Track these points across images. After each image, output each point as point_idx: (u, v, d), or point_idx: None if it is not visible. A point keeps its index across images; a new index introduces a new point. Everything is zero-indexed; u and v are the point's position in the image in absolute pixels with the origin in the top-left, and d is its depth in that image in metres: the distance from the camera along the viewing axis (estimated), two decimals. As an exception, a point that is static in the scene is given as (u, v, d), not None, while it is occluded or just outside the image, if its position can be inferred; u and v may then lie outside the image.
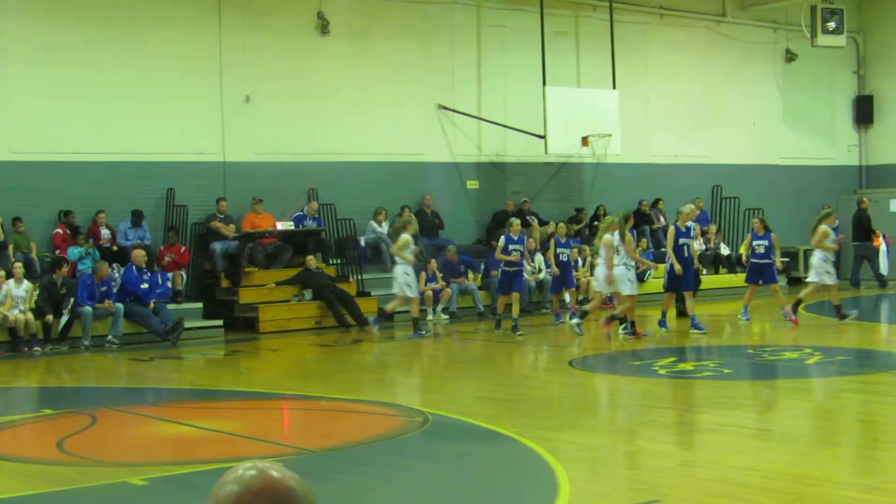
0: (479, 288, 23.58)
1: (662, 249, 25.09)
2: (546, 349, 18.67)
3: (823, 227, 19.64)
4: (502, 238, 19.64)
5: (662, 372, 15.15)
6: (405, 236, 19.96)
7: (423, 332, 20.03)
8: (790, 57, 31.36)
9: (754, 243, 20.64)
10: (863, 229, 28.11)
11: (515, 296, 19.67)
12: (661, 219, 27.65)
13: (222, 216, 22.13)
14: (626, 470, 9.63)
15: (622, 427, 11.64)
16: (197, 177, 22.24)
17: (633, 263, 18.76)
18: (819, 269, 19.54)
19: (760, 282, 20.72)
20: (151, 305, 19.89)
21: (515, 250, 19.42)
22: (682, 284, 19.10)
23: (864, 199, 28.85)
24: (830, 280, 19.55)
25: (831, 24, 29.00)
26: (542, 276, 24.10)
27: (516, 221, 20.20)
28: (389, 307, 20.52)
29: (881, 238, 27.28)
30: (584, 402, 13.69)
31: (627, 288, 18.45)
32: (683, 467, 9.47)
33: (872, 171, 32.93)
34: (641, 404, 13.12)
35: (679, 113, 29.15)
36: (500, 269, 19.77)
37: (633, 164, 27.69)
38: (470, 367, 17.27)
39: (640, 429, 11.47)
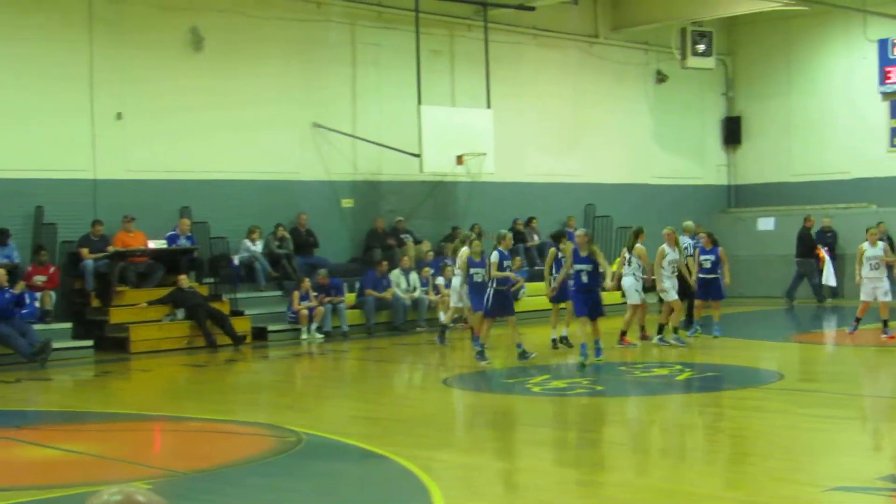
0: (354, 307, 23.48)
1: (538, 268, 25.38)
2: (421, 367, 18.65)
3: None
4: (495, 254, 17.74)
5: (536, 389, 15.25)
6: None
7: (445, 342, 20.10)
8: (661, 78, 31.95)
9: (701, 258, 20.75)
10: (806, 246, 28.50)
11: (512, 319, 17.98)
12: (535, 237, 27.90)
13: (97, 239, 21.62)
14: (501, 488, 9.65)
15: (497, 445, 11.67)
16: (66, 194, 21.72)
17: (641, 274, 19.36)
18: None
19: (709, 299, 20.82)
20: (11, 320, 19.29)
21: (507, 267, 17.88)
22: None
23: (811, 216, 29.07)
24: None
25: (700, 47, 29.62)
26: (416, 294, 24.14)
27: (509, 235, 18.63)
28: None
29: (823, 251, 27.42)
30: (458, 420, 13.71)
31: (636, 297, 19.35)
32: (558, 484, 9.52)
33: (740, 191, 33.69)
34: (516, 422, 13.18)
35: (552, 132, 29.46)
36: (489, 289, 17.70)
37: (506, 183, 27.89)
38: (344, 386, 17.20)
39: (515, 446, 11.52)
